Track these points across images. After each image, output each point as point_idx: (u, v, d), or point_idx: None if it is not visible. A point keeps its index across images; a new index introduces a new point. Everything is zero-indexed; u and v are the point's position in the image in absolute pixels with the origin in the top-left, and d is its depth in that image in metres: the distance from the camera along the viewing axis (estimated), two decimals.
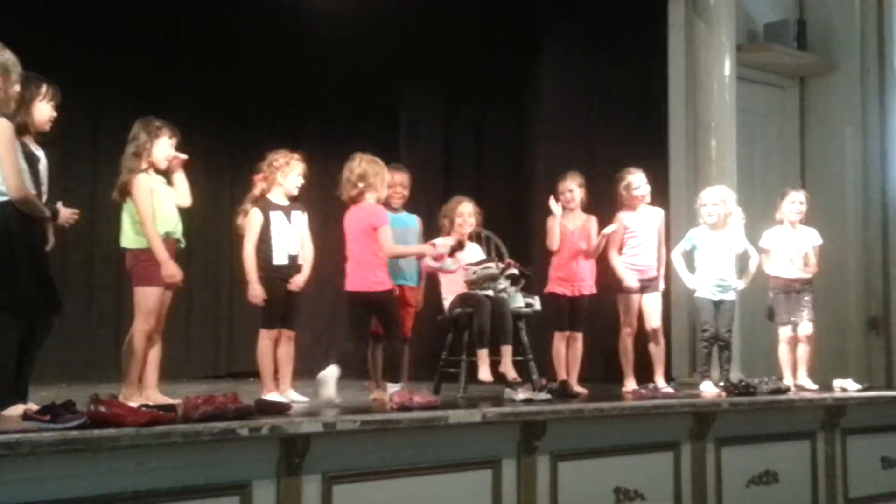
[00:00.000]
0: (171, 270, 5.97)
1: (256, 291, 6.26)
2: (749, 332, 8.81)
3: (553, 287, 7.28)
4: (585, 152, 9.27)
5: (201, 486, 4.36)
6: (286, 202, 6.47)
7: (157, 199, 6.03)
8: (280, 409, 5.07)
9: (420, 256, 6.68)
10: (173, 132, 6.18)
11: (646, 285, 7.39)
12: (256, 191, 6.44)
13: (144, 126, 6.09)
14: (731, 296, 7.48)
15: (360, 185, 6.19)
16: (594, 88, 9.83)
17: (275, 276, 6.31)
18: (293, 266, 6.38)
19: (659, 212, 7.61)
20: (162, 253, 5.93)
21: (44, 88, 5.38)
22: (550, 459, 5.60)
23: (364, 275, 6.17)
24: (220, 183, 10.71)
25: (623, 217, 7.44)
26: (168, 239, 6.07)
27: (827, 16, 10.27)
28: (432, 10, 10.06)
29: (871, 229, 10.06)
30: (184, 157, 6.29)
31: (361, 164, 6.23)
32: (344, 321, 10.44)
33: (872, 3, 10.21)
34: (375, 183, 6.21)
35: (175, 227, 6.16)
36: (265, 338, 6.30)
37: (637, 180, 7.43)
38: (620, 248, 7.43)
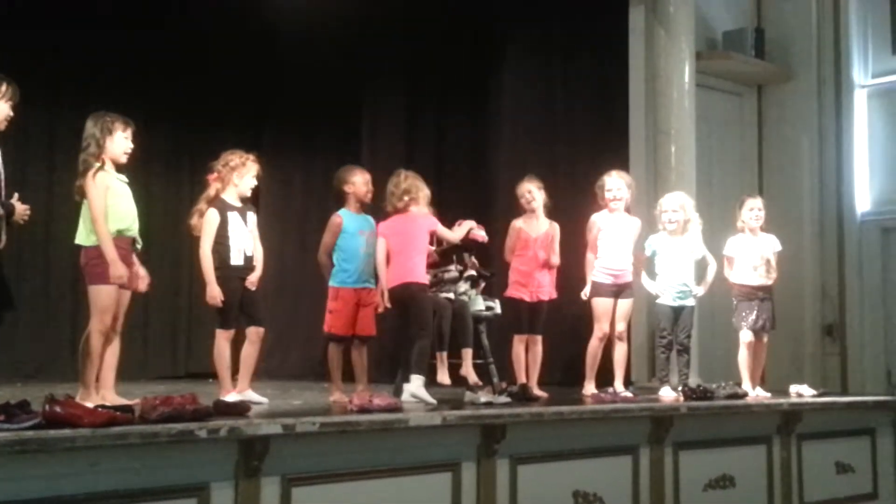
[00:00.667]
0: (120, 271, 5.80)
1: (215, 292, 6.19)
2: (708, 337, 8.88)
3: (512, 291, 7.29)
4: (545, 157, 9.30)
5: (158, 487, 4.31)
6: (240, 203, 6.42)
7: (112, 196, 5.89)
8: (239, 410, 5.01)
9: (469, 231, 7.15)
10: (126, 124, 6.02)
11: (620, 290, 7.44)
12: (211, 191, 6.35)
13: (97, 122, 5.93)
14: (690, 302, 7.53)
15: (406, 198, 6.70)
16: (555, 93, 9.86)
17: (232, 276, 6.24)
18: (248, 266, 6.32)
19: (636, 221, 7.63)
20: (111, 252, 5.78)
21: (3, 87, 5.26)
22: (510, 463, 5.60)
23: (406, 272, 6.51)
24: (179, 183, 10.63)
25: (596, 218, 7.49)
26: (122, 237, 5.92)
27: (785, 26, 10.41)
28: (394, 13, 10.07)
29: (826, 237, 10.20)
30: None
31: (407, 180, 6.75)
32: (303, 322, 10.54)
33: (829, 14, 10.36)
34: (418, 196, 6.73)
35: (130, 225, 6.01)
36: (222, 338, 6.24)
37: (611, 183, 7.47)
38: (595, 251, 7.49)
